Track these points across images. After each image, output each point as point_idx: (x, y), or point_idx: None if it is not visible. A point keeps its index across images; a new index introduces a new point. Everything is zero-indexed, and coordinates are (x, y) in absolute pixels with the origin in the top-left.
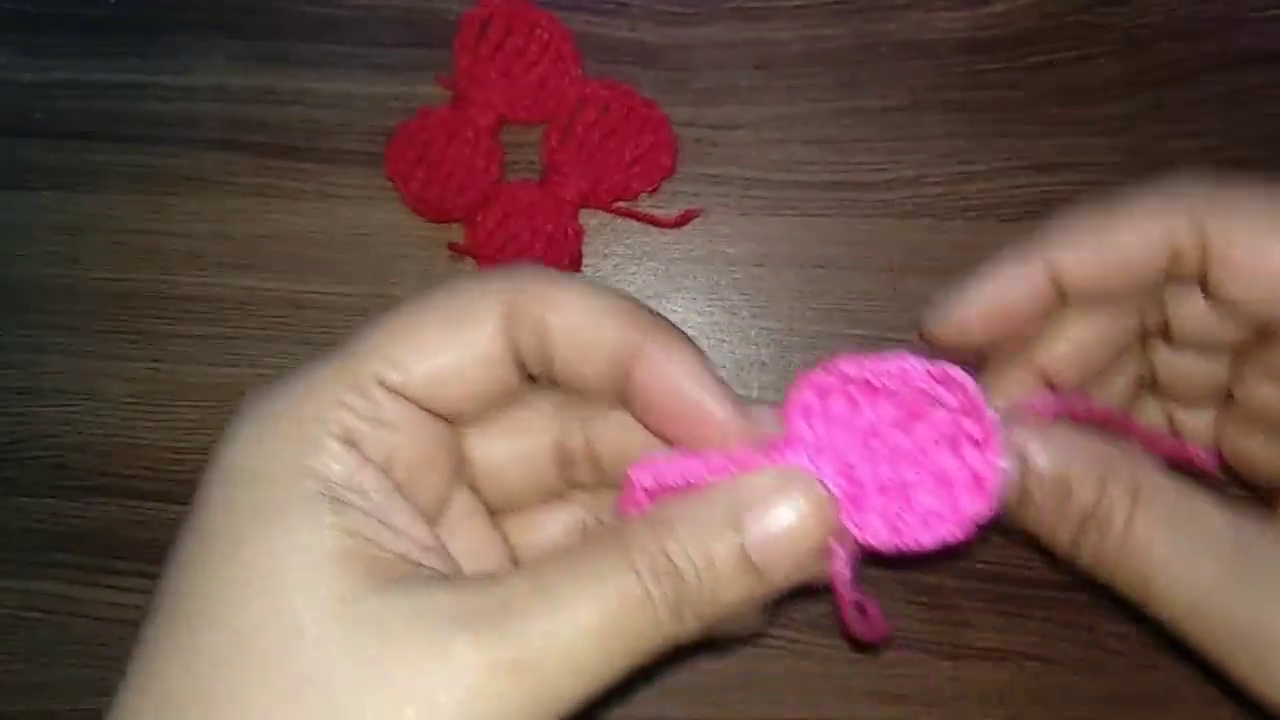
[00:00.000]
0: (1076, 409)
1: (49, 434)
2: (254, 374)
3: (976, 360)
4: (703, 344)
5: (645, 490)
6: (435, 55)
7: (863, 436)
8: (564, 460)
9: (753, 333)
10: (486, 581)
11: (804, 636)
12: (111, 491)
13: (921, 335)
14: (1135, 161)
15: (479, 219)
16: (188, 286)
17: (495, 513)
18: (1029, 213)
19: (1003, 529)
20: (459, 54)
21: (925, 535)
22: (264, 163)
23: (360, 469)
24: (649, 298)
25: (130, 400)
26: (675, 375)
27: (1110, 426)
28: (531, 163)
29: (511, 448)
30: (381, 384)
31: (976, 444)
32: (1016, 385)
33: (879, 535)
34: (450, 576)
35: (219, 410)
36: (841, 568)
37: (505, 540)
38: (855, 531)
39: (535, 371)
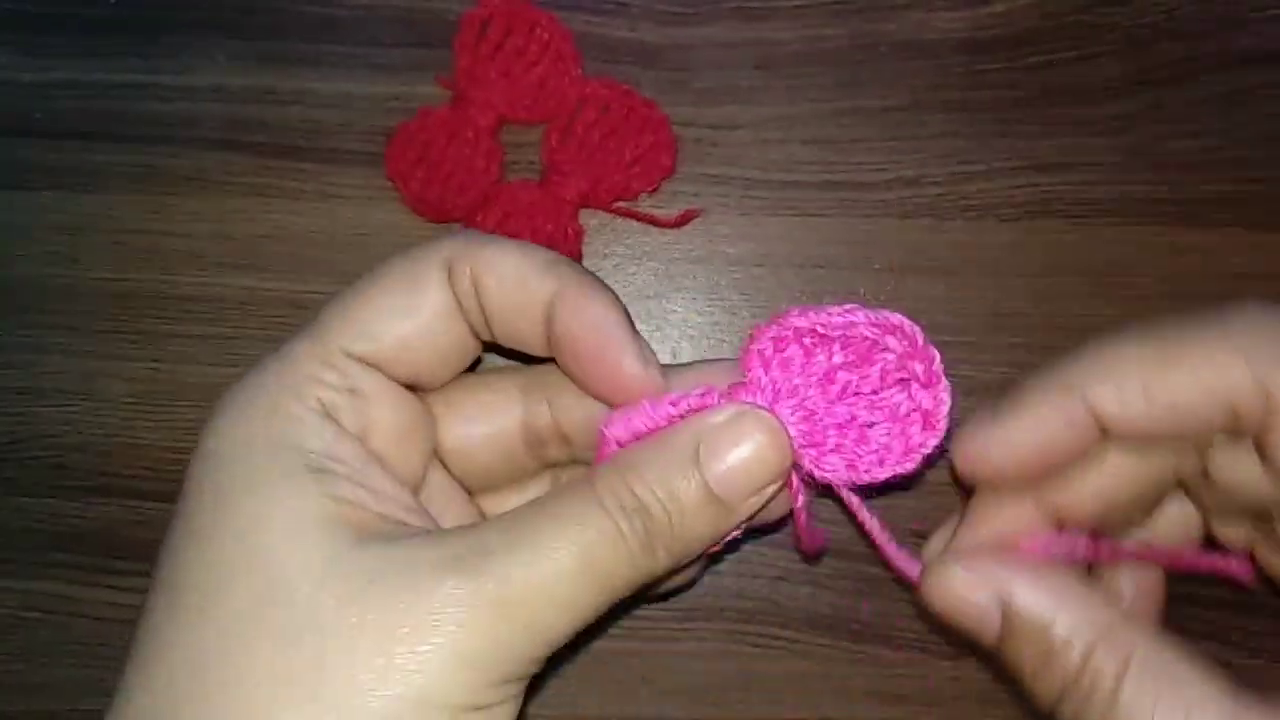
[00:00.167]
0: (1082, 551)
1: (49, 434)
2: None
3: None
4: (703, 344)
5: (619, 444)
6: (435, 55)
7: (817, 381)
8: (533, 439)
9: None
10: (466, 530)
11: (804, 636)
12: (111, 491)
13: (952, 477)
14: (1135, 161)
15: (479, 219)
16: (188, 286)
17: (473, 494)
18: (1029, 213)
19: (1015, 690)
20: (459, 54)
21: (878, 469)
22: (264, 163)
23: (338, 440)
24: (649, 298)
25: (130, 400)
26: (591, 315)
27: (1126, 559)
28: (531, 163)
29: (481, 431)
30: (350, 355)
31: (923, 384)
32: (1014, 519)
33: (836, 470)
34: (432, 530)
35: None
36: (798, 492)
37: (484, 518)
38: (813, 468)
39: (481, 333)
